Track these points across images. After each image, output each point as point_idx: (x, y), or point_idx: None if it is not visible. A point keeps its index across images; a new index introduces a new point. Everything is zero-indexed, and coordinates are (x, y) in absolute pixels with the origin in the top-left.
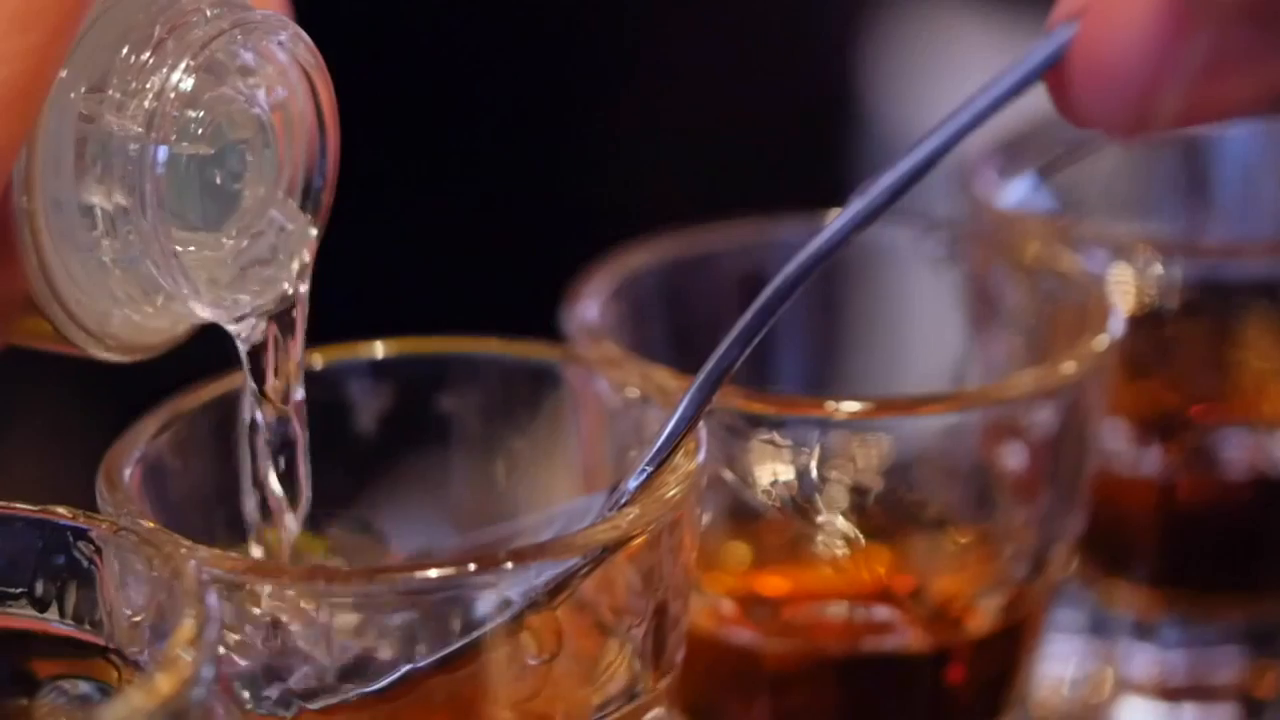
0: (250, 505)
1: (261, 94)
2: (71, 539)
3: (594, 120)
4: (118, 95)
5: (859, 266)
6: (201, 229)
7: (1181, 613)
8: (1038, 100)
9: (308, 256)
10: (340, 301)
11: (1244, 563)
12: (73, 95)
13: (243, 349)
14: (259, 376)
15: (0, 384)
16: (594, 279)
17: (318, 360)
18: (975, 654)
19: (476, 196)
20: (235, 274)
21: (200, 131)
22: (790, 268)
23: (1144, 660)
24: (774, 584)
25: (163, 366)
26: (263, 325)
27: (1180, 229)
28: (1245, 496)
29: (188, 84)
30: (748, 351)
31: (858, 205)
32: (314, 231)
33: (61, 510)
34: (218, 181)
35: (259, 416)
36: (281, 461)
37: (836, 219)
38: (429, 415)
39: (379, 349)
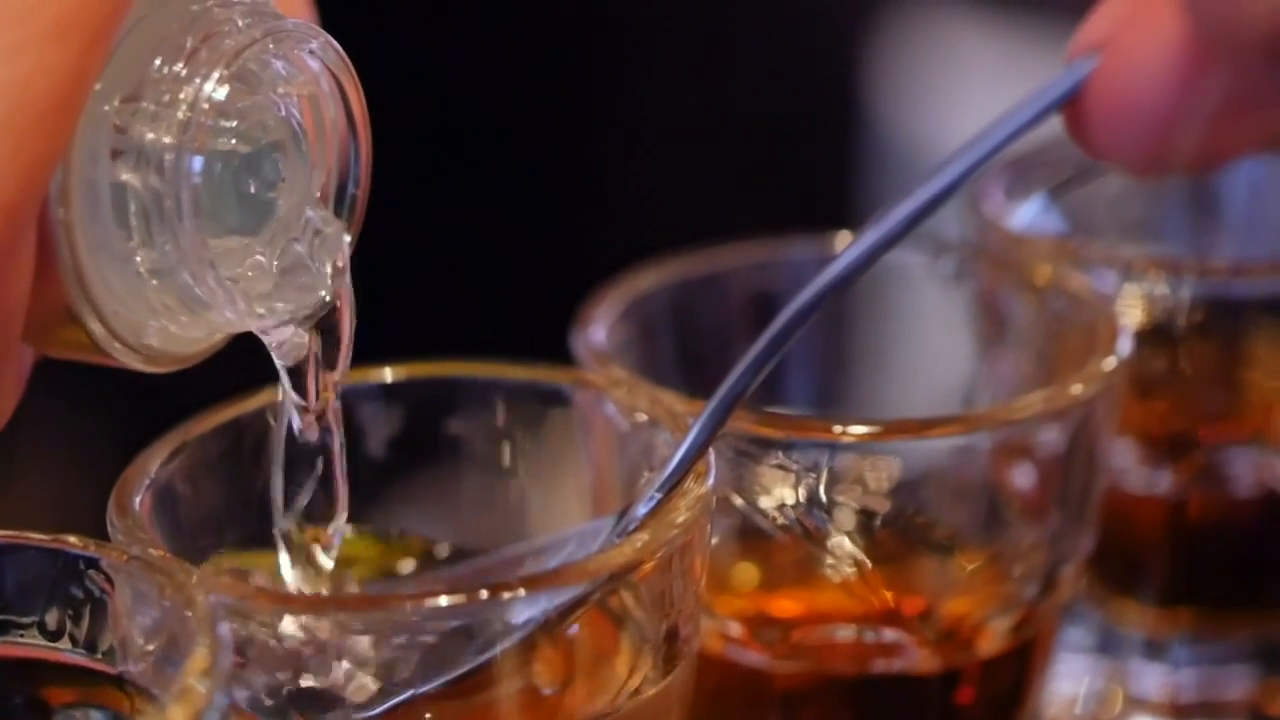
0: (281, 515)
1: (294, 102)
2: (83, 568)
3: (601, 142)
4: (152, 106)
5: (868, 286)
6: (237, 238)
7: (1191, 631)
8: (1047, 121)
9: (342, 262)
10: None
11: (1254, 581)
12: (107, 107)
13: (279, 360)
14: (299, 387)
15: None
16: (602, 302)
17: None
18: (985, 675)
19: (484, 220)
20: (272, 282)
21: (234, 140)
22: (803, 296)
23: (1154, 679)
24: (783, 606)
25: (175, 389)
26: (302, 333)
27: (1188, 249)
28: (1255, 515)
29: (221, 93)
30: (759, 379)
31: (872, 236)
32: (349, 237)
33: (73, 539)
34: (252, 190)
35: (296, 425)
36: (319, 469)
37: (850, 248)
38: (438, 439)
39: (388, 373)
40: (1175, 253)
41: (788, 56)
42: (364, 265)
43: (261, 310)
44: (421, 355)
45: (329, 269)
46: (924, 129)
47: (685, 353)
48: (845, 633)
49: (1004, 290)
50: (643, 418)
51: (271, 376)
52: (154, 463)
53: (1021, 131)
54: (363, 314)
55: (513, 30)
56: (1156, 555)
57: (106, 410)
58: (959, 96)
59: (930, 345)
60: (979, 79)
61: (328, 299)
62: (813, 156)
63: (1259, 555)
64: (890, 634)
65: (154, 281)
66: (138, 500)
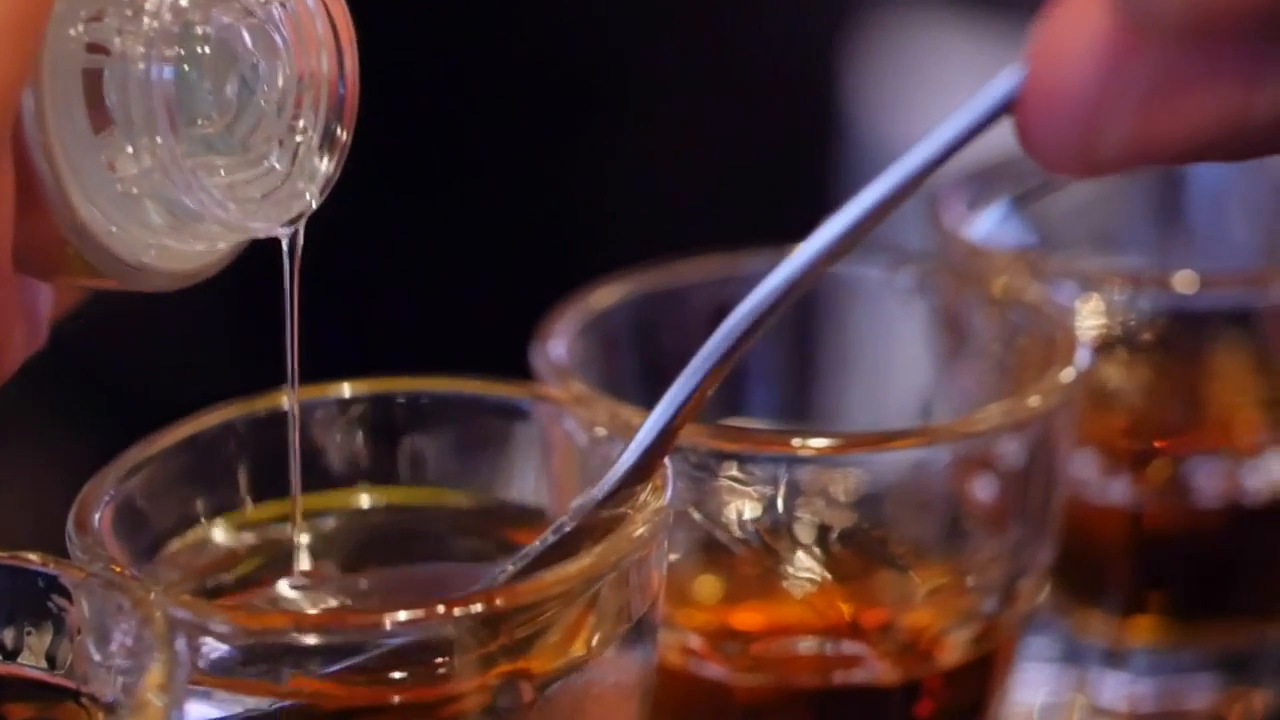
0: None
1: (274, 9)
2: (41, 584)
3: (569, 151)
4: (116, 20)
5: (828, 299)
6: (219, 146)
7: (1153, 640)
8: (1008, 132)
9: (332, 168)
10: (308, 340)
11: (1215, 590)
12: (72, 27)
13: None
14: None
15: None
16: (563, 316)
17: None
18: (946, 686)
19: (444, 234)
20: (261, 190)
21: (207, 48)
22: (745, 307)
23: (1115, 688)
24: (744, 619)
25: (147, 403)
26: (287, 237)
27: (1152, 260)
28: (1216, 525)
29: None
30: (708, 389)
31: (817, 243)
32: (344, 136)
33: (32, 556)
34: (231, 98)
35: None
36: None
37: (796, 255)
38: (397, 454)
39: (346, 388)
40: (1138, 264)
41: (765, 62)
42: (325, 281)
43: (255, 216)
44: (380, 370)
45: (320, 176)
46: (903, 134)
47: (646, 367)
48: (806, 645)
49: (964, 302)
50: (602, 433)
51: (232, 393)
52: (113, 479)
53: (965, 138)
54: (321, 329)
55: (481, 45)
56: (1119, 566)
57: (80, 423)
58: (938, 101)
59: (890, 358)
60: (958, 84)
61: (314, 205)
62: (791, 162)
63: (1220, 564)
64: (851, 646)
65: (146, 200)
66: (97, 517)
